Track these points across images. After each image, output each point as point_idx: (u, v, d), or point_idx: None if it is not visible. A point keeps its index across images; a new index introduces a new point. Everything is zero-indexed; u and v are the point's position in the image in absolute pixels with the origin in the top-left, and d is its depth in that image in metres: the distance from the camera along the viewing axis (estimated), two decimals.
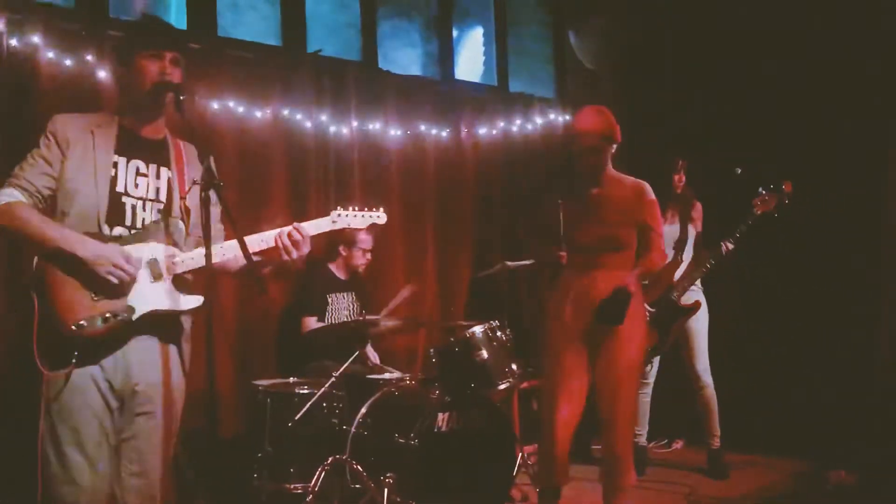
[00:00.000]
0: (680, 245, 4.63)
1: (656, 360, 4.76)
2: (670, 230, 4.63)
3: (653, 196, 3.50)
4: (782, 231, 4.70)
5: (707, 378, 4.68)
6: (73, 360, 2.25)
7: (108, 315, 2.29)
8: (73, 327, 2.24)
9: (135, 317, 2.33)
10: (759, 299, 5.36)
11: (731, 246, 4.44)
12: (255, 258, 2.41)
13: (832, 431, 4.66)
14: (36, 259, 2.27)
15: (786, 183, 4.45)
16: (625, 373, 3.41)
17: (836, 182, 4.95)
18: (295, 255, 2.47)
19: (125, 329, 2.34)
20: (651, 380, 4.82)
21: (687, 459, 4.89)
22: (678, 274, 4.56)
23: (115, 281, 2.29)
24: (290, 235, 2.47)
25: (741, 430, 4.89)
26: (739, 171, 4.52)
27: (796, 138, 5.13)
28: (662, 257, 3.60)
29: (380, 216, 2.69)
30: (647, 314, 4.51)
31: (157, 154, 2.51)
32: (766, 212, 4.43)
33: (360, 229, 2.72)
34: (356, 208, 2.64)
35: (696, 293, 4.65)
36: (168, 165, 2.51)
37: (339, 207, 2.63)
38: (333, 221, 2.60)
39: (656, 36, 5.92)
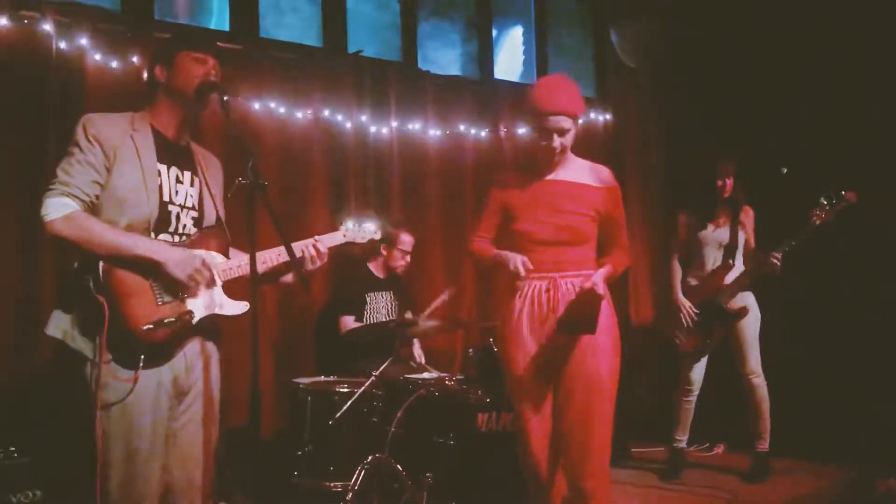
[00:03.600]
0: (730, 250, 4.56)
1: (702, 366, 4.67)
2: (719, 234, 4.60)
3: (615, 182, 3.08)
4: (841, 233, 4.53)
5: (758, 379, 4.58)
6: (141, 364, 2.28)
7: (173, 318, 2.32)
8: (144, 329, 2.26)
9: (195, 321, 2.38)
10: (814, 302, 5.24)
11: (777, 259, 4.30)
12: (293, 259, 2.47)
13: (882, 439, 4.55)
14: (102, 264, 2.25)
15: (849, 192, 4.28)
16: (597, 393, 2.87)
17: (883, 184, 4.83)
18: (318, 264, 2.62)
19: (185, 332, 2.39)
20: (696, 387, 4.71)
21: (728, 464, 4.81)
22: (729, 278, 4.50)
23: (198, 284, 2.35)
24: (314, 246, 2.61)
25: (788, 435, 4.80)
26: (785, 170, 4.42)
27: (854, 141, 5.00)
28: (630, 255, 3.13)
29: (377, 233, 2.90)
30: (693, 315, 4.48)
31: (187, 160, 2.53)
32: (825, 222, 4.29)
33: (362, 242, 2.91)
34: (358, 225, 2.85)
35: (745, 297, 4.56)
36: (196, 172, 2.54)
37: (348, 223, 2.83)
38: (343, 235, 2.80)
39: (700, 33, 5.84)
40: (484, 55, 6.04)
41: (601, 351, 2.91)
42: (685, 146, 5.87)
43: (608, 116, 6.28)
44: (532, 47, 6.30)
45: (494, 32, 6.14)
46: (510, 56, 6.29)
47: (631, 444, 5.46)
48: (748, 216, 4.66)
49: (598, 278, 2.86)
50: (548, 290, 2.94)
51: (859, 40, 5.01)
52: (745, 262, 4.61)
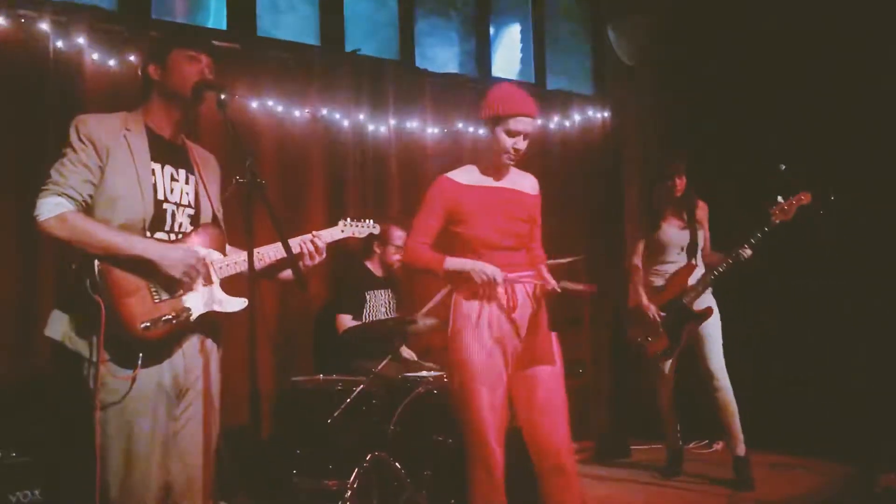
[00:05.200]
0: (692, 249, 4.57)
1: (671, 365, 4.67)
2: (677, 233, 4.61)
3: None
4: (834, 229, 4.50)
5: (722, 381, 4.47)
6: (139, 362, 2.28)
7: (170, 316, 2.32)
8: (142, 327, 2.26)
9: (193, 318, 2.38)
10: (805, 297, 5.25)
11: (748, 253, 4.27)
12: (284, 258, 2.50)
13: (881, 433, 4.55)
14: (97, 263, 2.25)
15: (804, 194, 4.23)
16: (560, 377, 3.04)
17: (864, 182, 4.82)
18: (317, 260, 2.64)
19: (183, 330, 2.38)
20: (671, 383, 4.72)
21: (728, 461, 4.80)
22: (692, 279, 4.49)
23: (194, 281, 2.35)
24: (312, 242, 2.63)
25: (785, 431, 4.80)
26: (784, 167, 4.39)
27: (853, 139, 5.00)
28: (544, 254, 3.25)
29: (375, 227, 3.00)
30: (659, 318, 4.50)
31: (182, 159, 2.53)
32: (783, 221, 4.24)
33: (361, 237, 2.96)
34: (356, 220, 2.95)
35: (707, 298, 4.54)
36: (192, 170, 2.54)
37: (346, 218, 2.90)
38: (342, 230, 2.86)
39: (698, 29, 5.84)
40: (482, 53, 6.04)
41: (552, 338, 3.06)
42: (684, 143, 5.87)
43: (606, 114, 6.28)
44: (530, 45, 6.30)
45: (492, 30, 6.14)
46: (508, 54, 6.29)
47: (630, 441, 5.48)
48: (703, 211, 4.65)
49: (550, 280, 3.01)
50: (506, 293, 2.99)
51: (858, 39, 5.01)
52: (704, 260, 4.60)
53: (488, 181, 3.09)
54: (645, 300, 4.57)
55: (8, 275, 3.87)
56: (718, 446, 5.39)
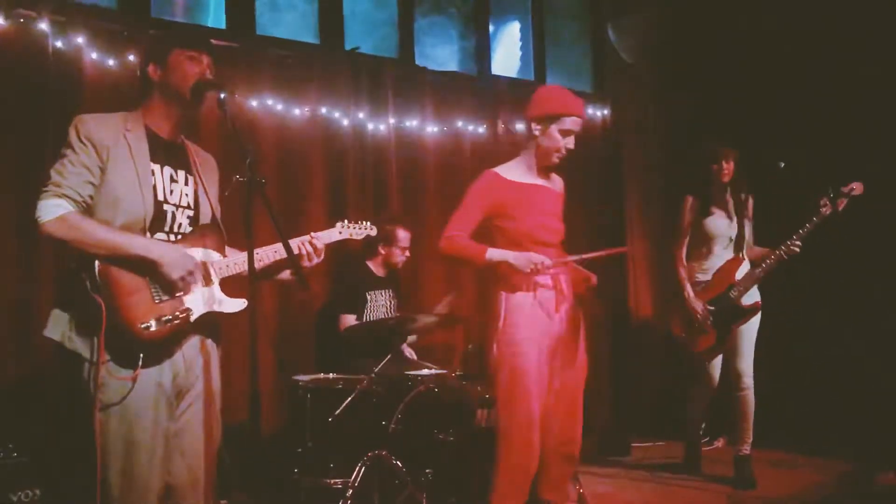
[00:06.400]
0: (740, 242, 4.45)
1: (718, 363, 4.55)
2: (728, 227, 4.47)
3: None
4: (840, 228, 4.44)
5: (749, 380, 4.41)
6: (140, 362, 2.27)
7: (170, 316, 2.31)
8: (142, 328, 2.26)
9: (193, 318, 2.37)
10: (806, 294, 5.24)
11: (797, 248, 4.16)
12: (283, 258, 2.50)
13: (881, 432, 4.56)
14: (98, 264, 2.24)
15: (857, 184, 4.15)
16: (586, 371, 3.25)
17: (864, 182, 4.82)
18: (315, 261, 2.63)
19: (183, 330, 2.38)
20: (715, 383, 4.60)
21: (729, 458, 4.81)
22: (739, 273, 4.37)
23: (191, 283, 2.34)
24: (310, 243, 2.62)
25: (786, 429, 4.81)
26: (783, 164, 4.36)
27: (853, 137, 4.99)
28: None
29: (372, 229, 3.00)
30: (707, 314, 4.38)
31: (182, 160, 2.53)
32: (833, 212, 4.13)
33: (359, 239, 2.99)
34: (353, 222, 2.94)
35: (754, 293, 4.41)
36: (191, 171, 2.53)
37: (344, 220, 2.91)
38: (339, 232, 2.86)
39: (698, 26, 5.84)
40: (481, 51, 6.03)
41: (583, 333, 3.25)
42: (684, 141, 5.87)
43: (606, 112, 6.28)
44: (529, 43, 6.30)
45: (492, 28, 6.13)
46: (508, 52, 6.28)
47: (630, 439, 5.48)
48: (749, 207, 4.53)
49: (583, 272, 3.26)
50: (554, 286, 3.13)
51: (858, 37, 5.01)
52: (747, 255, 4.48)
53: (532, 178, 3.23)
54: (692, 295, 4.42)
55: (7, 275, 3.86)
56: (719, 443, 5.39)
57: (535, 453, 3.06)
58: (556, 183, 3.35)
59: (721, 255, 4.48)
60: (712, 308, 4.37)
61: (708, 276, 4.47)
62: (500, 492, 3.08)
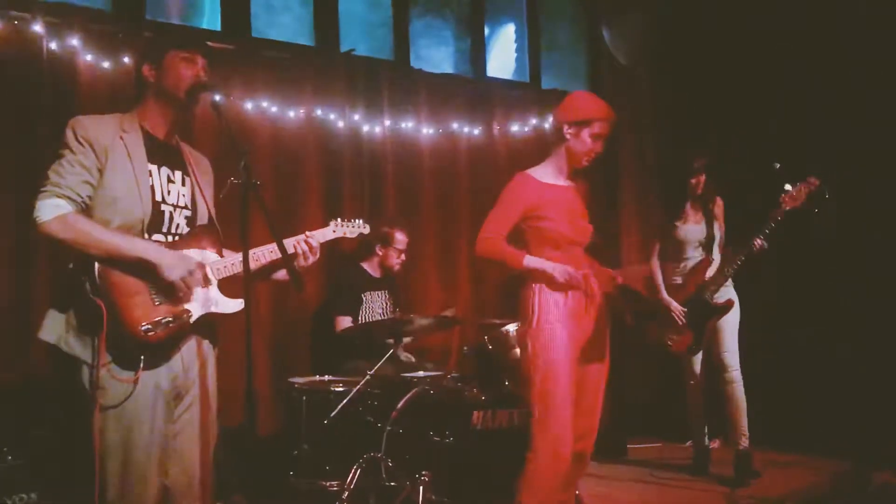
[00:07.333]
0: (709, 243, 4.58)
1: (699, 359, 4.66)
2: (696, 231, 4.62)
3: None
4: (830, 226, 4.52)
5: (734, 373, 4.52)
6: (141, 364, 2.27)
7: (170, 318, 2.32)
8: (143, 330, 2.25)
9: (192, 320, 2.37)
10: (800, 294, 5.26)
11: (762, 243, 4.29)
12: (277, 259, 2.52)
13: (877, 431, 4.56)
14: (97, 265, 2.24)
15: (811, 178, 4.26)
16: (608, 370, 3.33)
17: (871, 175, 4.84)
18: (311, 260, 2.65)
19: (182, 332, 2.38)
20: (701, 379, 4.70)
21: (725, 458, 4.82)
22: (709, 273, 4.50)
23: (190, 285, 2.34)
24: (305, 242, 2.64)
25: (781, 429, 4.80)
26: (778, 165, 4.39)
27: (832, 133, 5.03)
28: None
29: (365, 227, 3.04)
30: (682, 315, 4.52)
31: (177, 160, 2.53)
32: (794, 208, 4.26)
33: (352, 237, 3.01)
34: (346, 220, 2.99)
35: (728, 291, 4.55)
36: (187, 172, 2.54)
37: (337, 219, 2.96)
38: (333, 231, 2.90)
39: (692, 27, 5.85)
40: (476, 53, 6.04)
41: (608, 333, 3.32)
42: (679, 142, 5.88)
43: None
44: (525, 45, 6.30)
45: (487, 30, 6.14)
46: (503, 54, 6.29)
47: (627, 440, 5.48)
48: (719, 207, 4.68)
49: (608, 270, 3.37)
50: (587, 286, 3.21)
51: (855, 37, 5.01)
52: (721, 254, 4.61)
53: (563, 181, 3.32)
54: (666, 297, 4.58)
55: (3, 276, 3.85)
56: (715, 444, 5.39)
57: (567, 452, 3.13)
58: (579, 185, 3.43)
59: (693, 257, 4.64)
60: (685, 309, 4.50)
61: (681, 280, 4.64)
62: (534, 486, 3.13)
